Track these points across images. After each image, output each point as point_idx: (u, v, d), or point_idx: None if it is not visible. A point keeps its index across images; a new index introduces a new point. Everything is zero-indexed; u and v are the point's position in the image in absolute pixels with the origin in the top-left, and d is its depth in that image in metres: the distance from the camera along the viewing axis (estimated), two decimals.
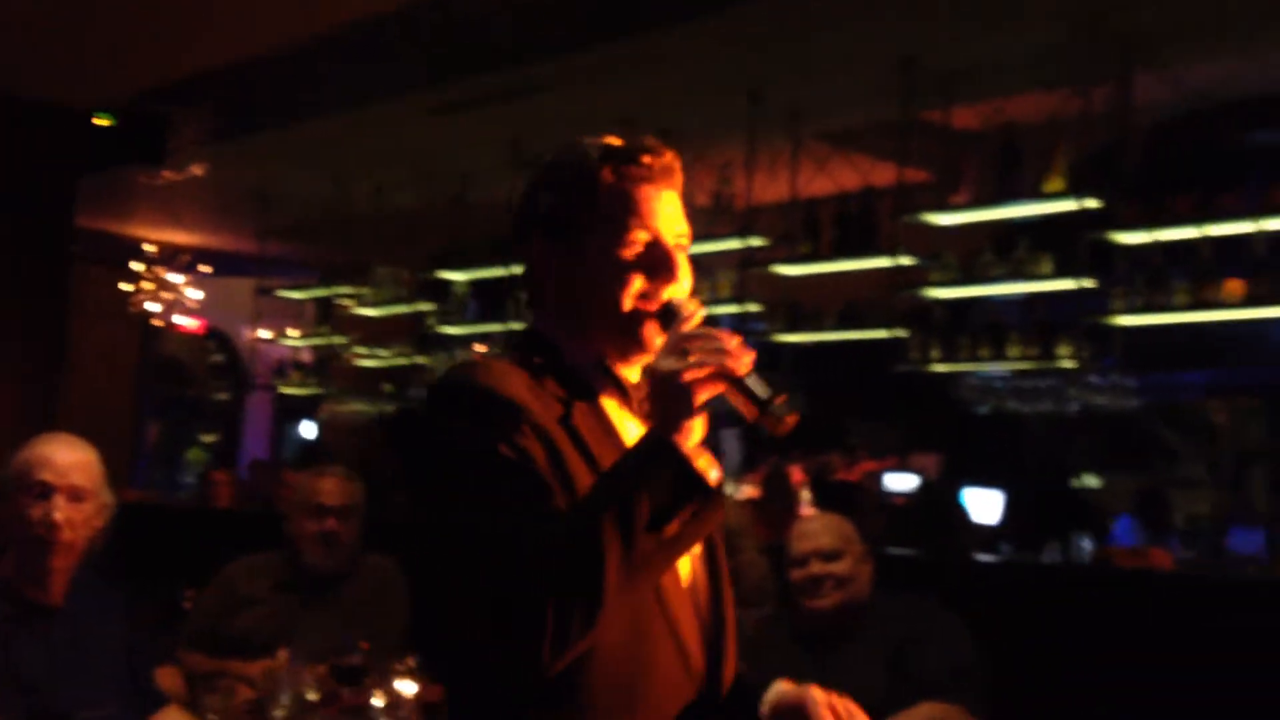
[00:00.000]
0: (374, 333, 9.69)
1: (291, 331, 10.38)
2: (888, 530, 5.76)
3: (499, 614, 1.40)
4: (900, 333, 6.44)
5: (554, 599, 1.37)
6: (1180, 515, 10.05)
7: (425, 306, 9.00)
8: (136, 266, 10.32)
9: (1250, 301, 5.23)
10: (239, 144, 8.36)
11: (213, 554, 4.01)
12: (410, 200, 8.72)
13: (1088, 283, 5.65)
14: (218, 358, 12.98)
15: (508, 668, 1.46)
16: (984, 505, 8.84)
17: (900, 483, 8.35)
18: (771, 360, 7.23)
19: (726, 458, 8.75)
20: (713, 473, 1.46)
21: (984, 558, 5.78)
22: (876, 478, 7.61)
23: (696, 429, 1.48)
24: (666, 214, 1.65)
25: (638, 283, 1.62)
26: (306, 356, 10.46)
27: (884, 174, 6.95)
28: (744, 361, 1.49)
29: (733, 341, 1.49)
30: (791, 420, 1.48)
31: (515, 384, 1.55)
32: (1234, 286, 5.23)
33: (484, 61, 6.86)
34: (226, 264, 10.86)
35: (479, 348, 8.66)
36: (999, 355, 5.98)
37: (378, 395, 9.64)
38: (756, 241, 6.98)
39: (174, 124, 8.12)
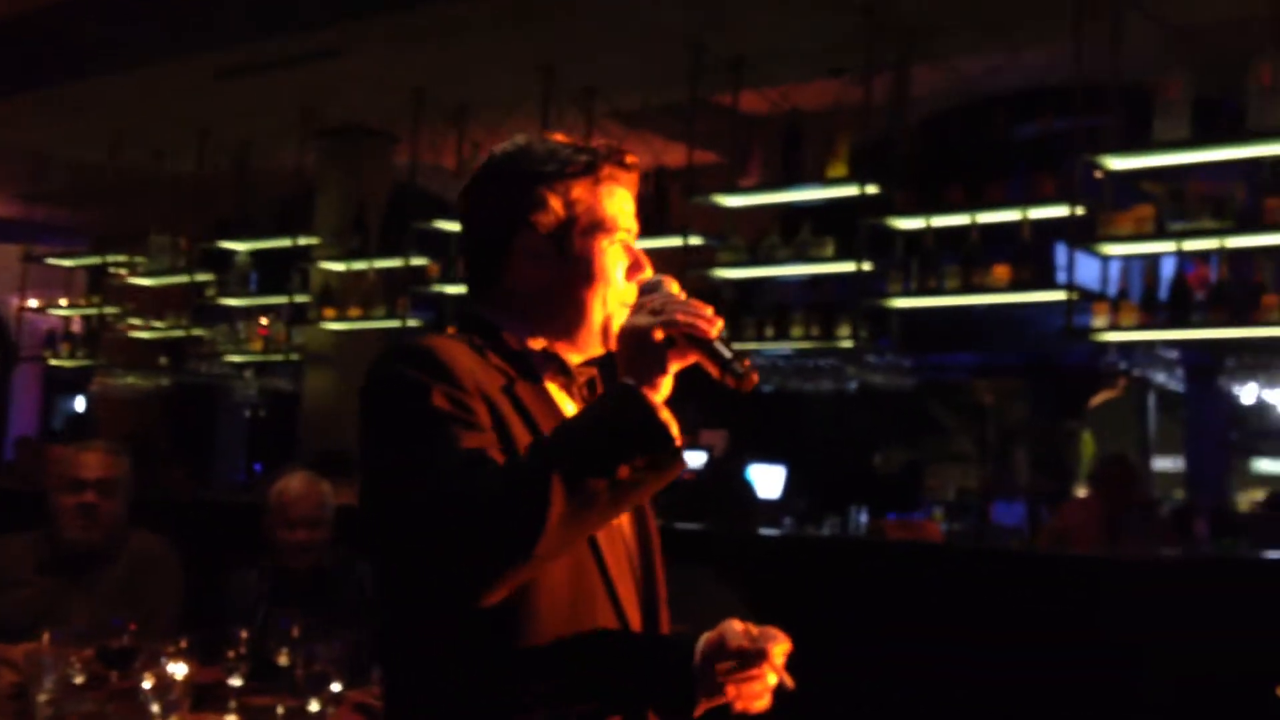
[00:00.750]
0: (149, 303, 9.30)
1: (61, 301, 9.90)
2: (676, 505, 5.86)
3: (438, 536, 1.43)
4: None
5: (496, 522, 1.41)
6: (950, 489, 10.54)
7: (204, 277, 8.69)
8: None
9: (1015, 287, 5.50)
10: (7, 104, 7.91)
11: None
12: (191, 166, 8.41)
13: (866, 266, 5.85)
14: None
15: (443, 594, 1.49)
16: (767, 480, 9.08)
17: (688, 459, 8.49)
18: None
19: None
20: (675, 428, 1.49)
21: (767, 531, 5.94)
22: None
23: (664, 386, 1.53)
24: (632, 214, 1.74)
25: (617, 279, 1.70)
26: (77, 327, 10.00)
27: (675, 155, 7.04)
28: (715, 326, 1.54)
29: (706, 308, 1.56)
30: (753, 379, 1.53)
31: (460, 353, 1.59)
32: (1001, 272, 5.49)
33: (271, 24, 6.66)
34: None
35: (263, 320, 8.43)
36: (783, 335, 6.14)
37: (153, 368, 9.27)
38: None
39: None
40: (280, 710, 2.68)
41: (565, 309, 1.69)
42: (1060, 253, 6.21)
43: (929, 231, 5.74)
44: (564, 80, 6.68)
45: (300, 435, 8.19)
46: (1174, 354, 5.95)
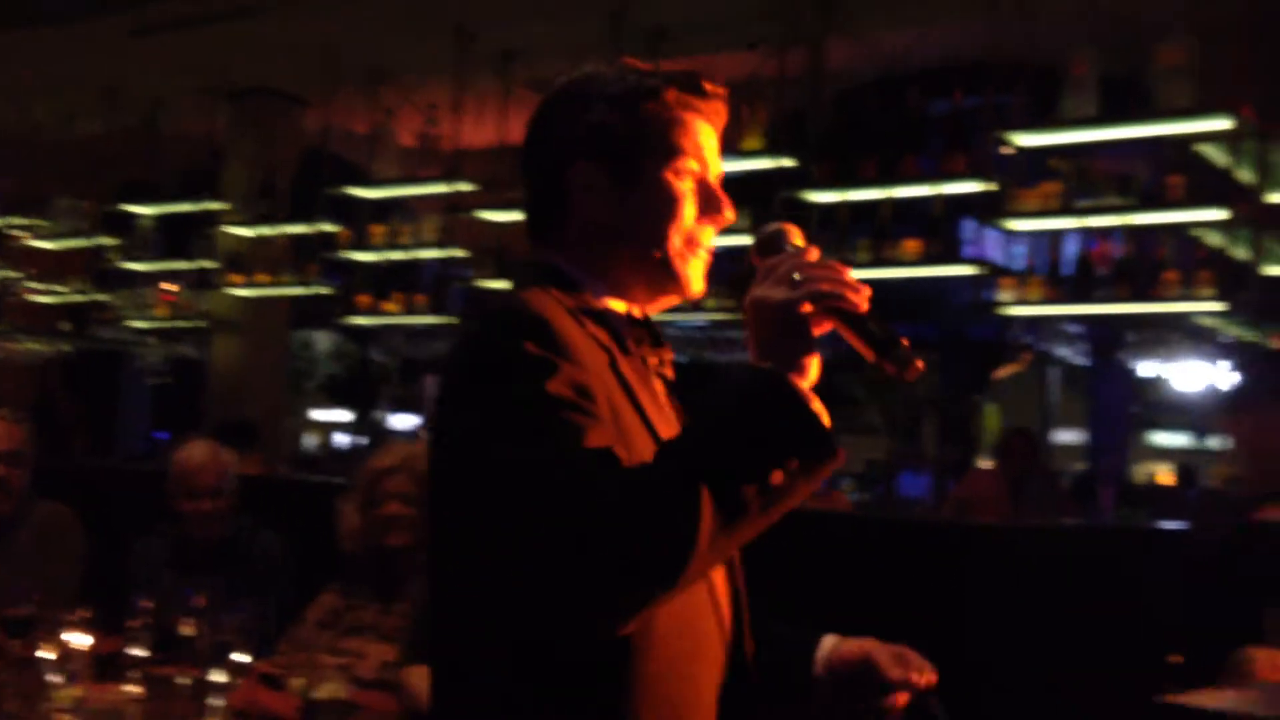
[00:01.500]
0: (51, 267, 9.09)
1: None
2: None
3: (570, 559, 1.19)
4: None
5: (639, 545, 1.18)
6: (859, 460, 10.68)
7: (107, 241, 8.50)
8: None
9: (926, 261, 5.57)
10: None
11: None
12: (96, 128, 8.20)
13: None
14: None
15: (573, 622, 1.25)
16: None
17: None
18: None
19: (433, 403, 8.70)
20: (827, 418, 1.27)
21: None
22: None
23: (813, 368, 1.30)
24: (714, 150, 1.53)
25: (687, 217, 1.48)
26: None
27: None
28: (864, 296, 1.32)
29: (847, 272, 1.33)
30: (918, 365, 1.31)
31: (566, 322, 1.36)
32: (912, 246, 5.56)
33: None
34: None
35: (167, 286, 8.27)
36: (697, 305, 6.16)
37: (55, 334, 9.06)
38: (463, 186, 6.92)
39: None
40: (184, 680, 2.65)
41: (622, 251, 1.48)
42: (969, 227, 6.30)
43: (843, 205, 5.78)
44: (481, 46, 6.62)
45: (206, 403, 8.07)
46: (1077, 329, 6.07)
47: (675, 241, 1.48)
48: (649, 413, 1.40)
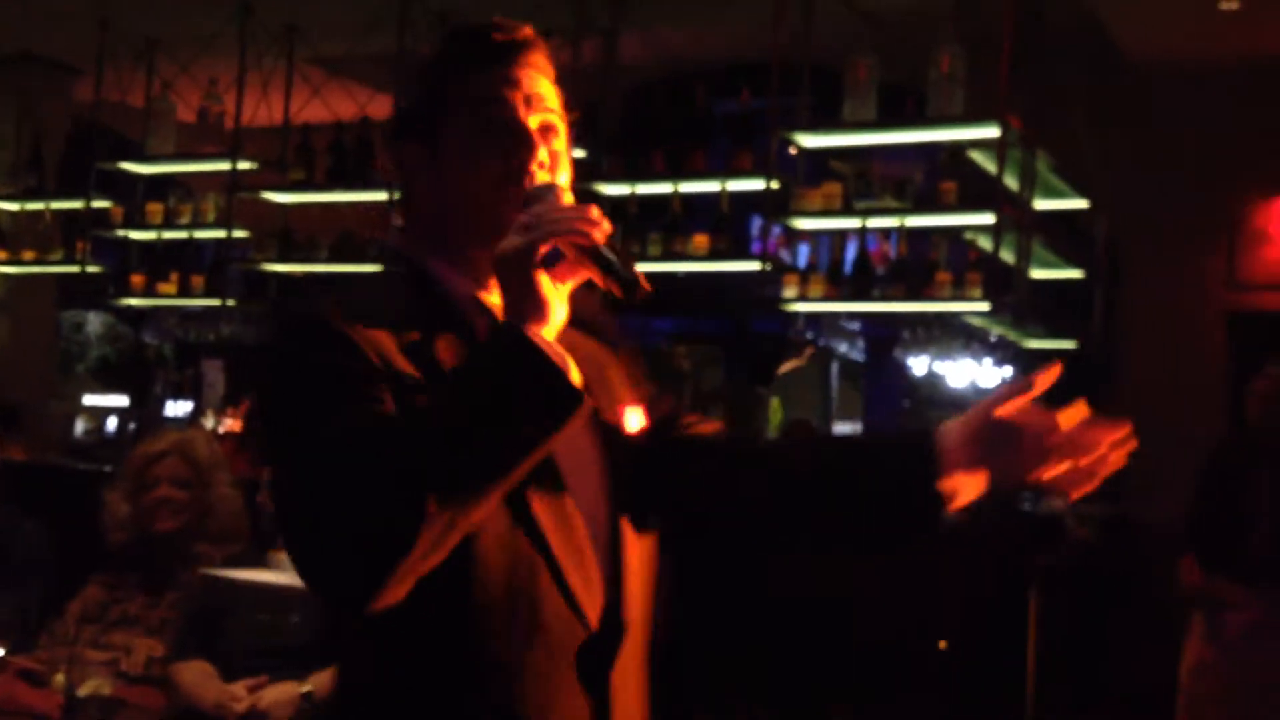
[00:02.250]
0: None
1: None
2: None
3: (313, 535, 1.25)
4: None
5: (370, 512, 1.20)
6: None
7: None
8: None
9: (713, 255, 5.68)
10: None
11: None
12: None
13: None
14: None
15: (335, 595, 1.30)
16: None
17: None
18: (258, 290, 7.02)
19: (211, 389, 8.41)
20: (573, 370, 1.27)
21: None
22: None
23: (554, 317, 1.30)
24: (521, 92, 1.49)
25: (494, 165, 1.45)
26: None
27: (381, 106, 6.89)
28: (598, 230, 1.32)
29: (591, 210, 1.34)
30: (645, 285, 1.34)
31: (368, 309, 1.36)
32: (700, 241, 5.66)
33: None
34: None
35: None
36: None
37: None
38: (245, 164, 6.71)
39: None
40: None
41: (449, 223, 1.48)
42: (756, 224, 6.44)
43: (632, 198, 5.84)
44: (263, 19, 6.43)
45: None
46: (856, 325, 6.28)
47: (483, 194, 1.45)
48: None
